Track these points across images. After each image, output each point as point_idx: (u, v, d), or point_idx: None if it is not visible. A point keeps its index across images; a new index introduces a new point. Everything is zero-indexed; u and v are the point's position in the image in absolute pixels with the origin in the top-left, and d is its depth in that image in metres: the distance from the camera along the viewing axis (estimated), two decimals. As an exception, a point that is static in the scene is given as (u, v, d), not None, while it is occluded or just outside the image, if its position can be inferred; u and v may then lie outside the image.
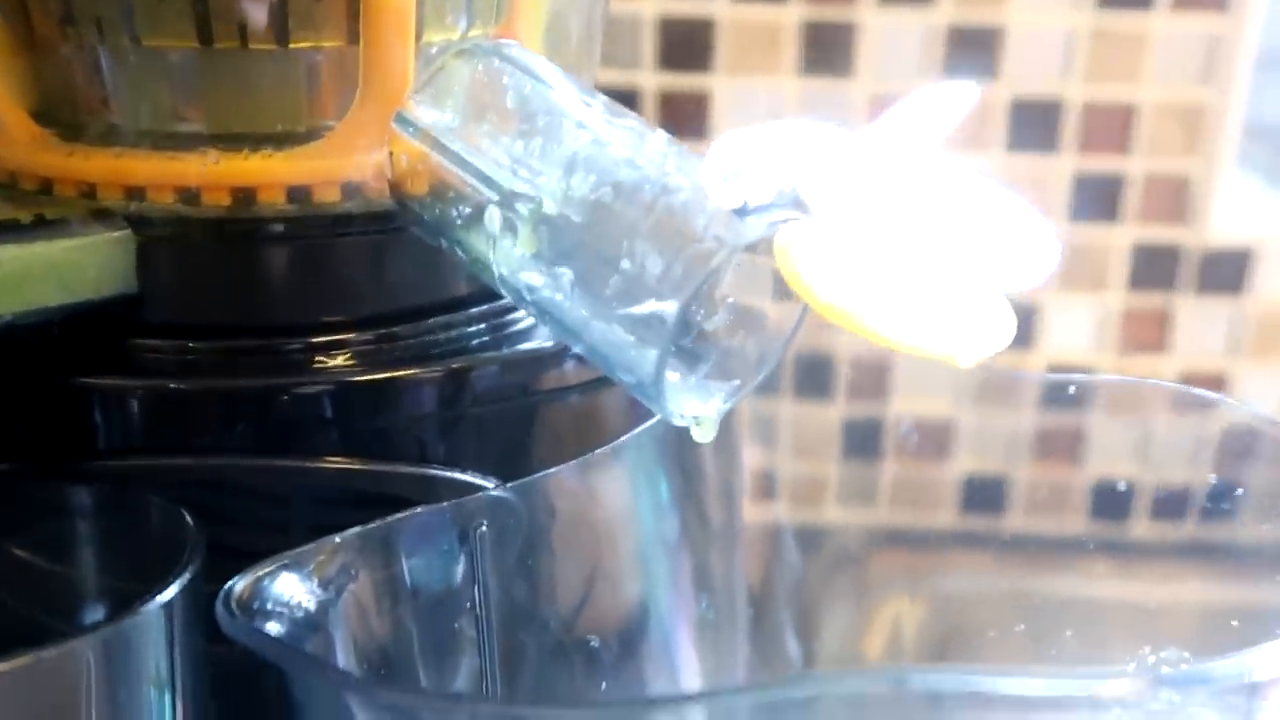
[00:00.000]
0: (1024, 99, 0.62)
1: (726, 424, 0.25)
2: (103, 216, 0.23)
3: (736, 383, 0.23)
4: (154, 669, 0.20)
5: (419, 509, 0.21)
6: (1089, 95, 0.62)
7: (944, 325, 0.17)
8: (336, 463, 0.23)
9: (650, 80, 0.62)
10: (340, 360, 0.24)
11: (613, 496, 0.26)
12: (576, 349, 0.22)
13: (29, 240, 0.22)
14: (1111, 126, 0.62)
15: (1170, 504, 0.29)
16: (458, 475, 0.24)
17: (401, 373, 0.24)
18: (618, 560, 0.27)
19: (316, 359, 0.24)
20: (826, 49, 0.62)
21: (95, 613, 0.23)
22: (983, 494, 0.32)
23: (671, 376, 0.22)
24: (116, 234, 0.23)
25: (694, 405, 0.22)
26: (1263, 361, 0.66)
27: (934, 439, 0.33)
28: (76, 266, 0.22)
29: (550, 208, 0.22)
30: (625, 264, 0.20)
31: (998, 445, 0.33)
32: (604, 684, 0.27)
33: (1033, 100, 0.62)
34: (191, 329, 0.23)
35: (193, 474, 0.23)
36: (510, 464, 0.26)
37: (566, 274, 0.21)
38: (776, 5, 0.61)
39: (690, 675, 0.29)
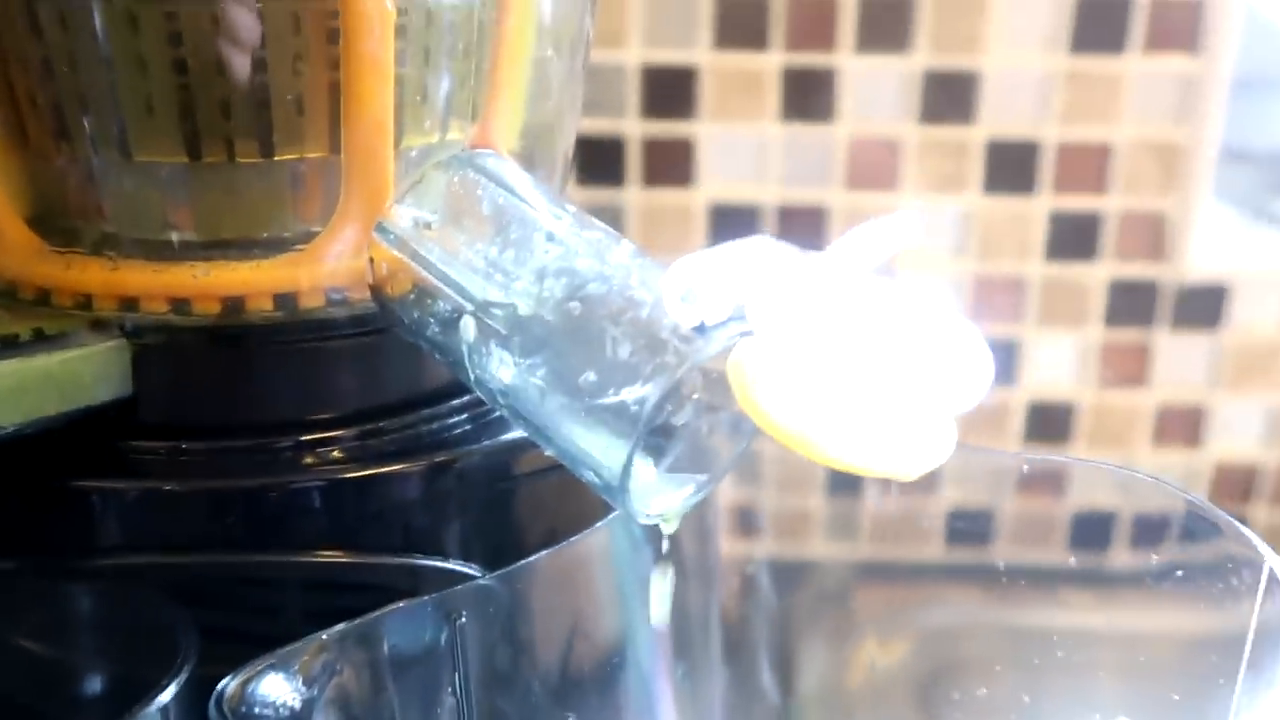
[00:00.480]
0: (1000, 140, 0.63)
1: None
2: (98, 327, 0.24)
3: (703, 477, 0.24)
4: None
5: (401, 603, 0.22)
6: (1065, 136, 0.63)
7: (887, 445, 0.18)
8: (324, 556, 0.24)
9: (635, 128, 0.63)
10: (328, 456, 0.25)
11: (591, 559, 0.27)
12: (547, 451, 0.23)
13: (27, 355, 0.23)
14: (1087, 166, 0.63)
15: (1149, 532, 0.30)
16: (441, 563, 0.25)
17: (388, 468, 0.25)
18: (596, 613, 0.28)
19: (305, 456, 0.25)
20: (808, 94, 0.63)
21: (95, 703, 0.24)
22: (969, 527, 0.33)
23: (642, 470, 0.24)
24: (112, 343, 0.24)
25: (660, 501, 0.23)
26: (1241, 392, 0.67)
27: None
28: (73, 376, 0.23)
29: (525, 310, 0.23)
30: (591, 375, 0.21)
31: (982, 478, 0.34)
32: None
33: (1009, 141, 0.63)
34: (184, 430, 0.25)
35: (187, 570, 0.24)
36: (495, 541, 0.27)
37: (537, 382, 0.22)
38: (758, 53, 0.62)
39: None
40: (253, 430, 0.25)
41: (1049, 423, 0.67)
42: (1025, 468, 0.28)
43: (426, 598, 0.23)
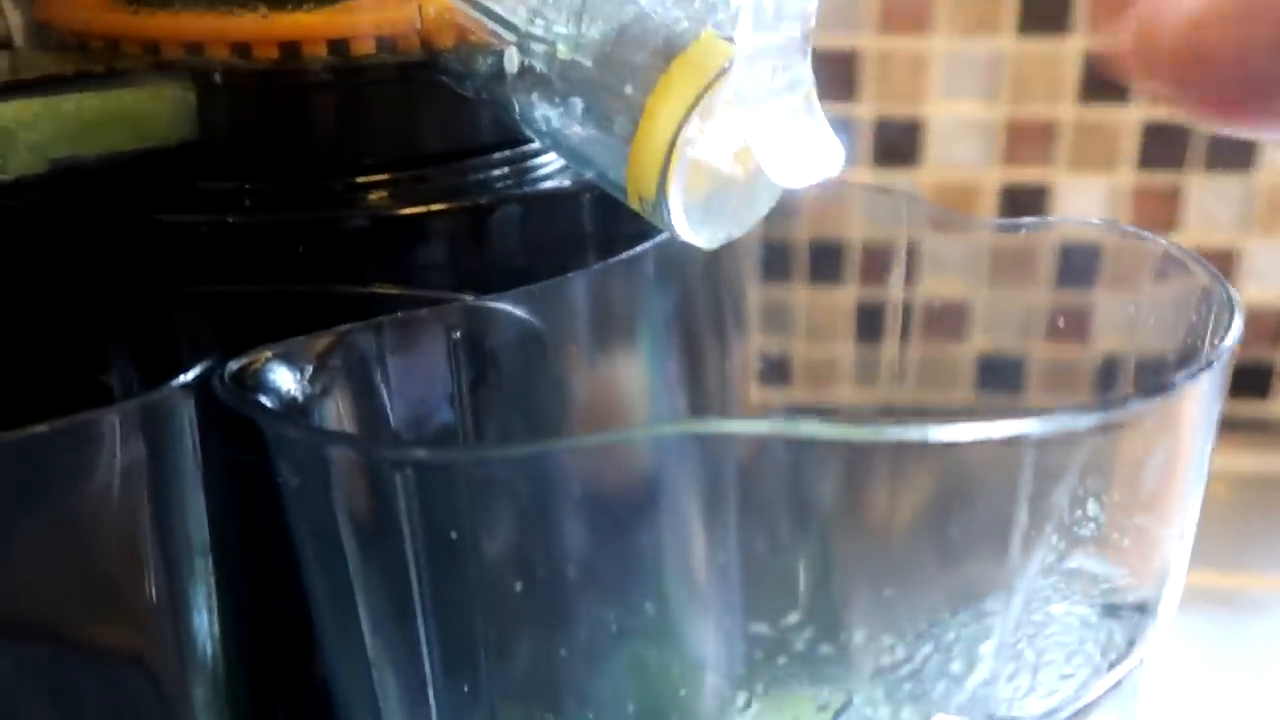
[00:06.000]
0: (1035, -20, 0.63)
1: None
2: (166, 68, 0.25)
3: (740, 220, 0.25)
4: (179, 455, 0.21)
5: (400, 314, 0.23)
6: (1100, -25, 0.63)
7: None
8: (374, 289, 0.26)
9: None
10: (377, 197, 0.27)
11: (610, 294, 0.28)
12: (588, 174, 0.25)
13: (104, 88, 0.24)
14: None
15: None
16: (484, 299, 0.27)
17: (431, 207, 0.26)
18: (612, 350, 0.28)
19: (356, 196, 0.27)
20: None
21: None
22: (998, 373, 0.34)
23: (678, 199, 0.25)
24: (180, 84, 0.25)
25: (697, 229, 0.25)
26: (1272, 235, 0.67)
27: (949, 318, 0.34)
28: (146, 114, 0.25)
29: (564, 53, 0.24)
30: (629, 89, 0.23)
31: (1011, 323, 0.34)
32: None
33: (1044, -19, 0.63)
34: (247, 170, 0.26)
35: (247, 298, 0.26)
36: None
37: (578, 104, 0.24)
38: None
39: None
40: (309, 171, 0.26)
41: (1079, 266, 0.68)
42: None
43: (424, 310, 0.24)
